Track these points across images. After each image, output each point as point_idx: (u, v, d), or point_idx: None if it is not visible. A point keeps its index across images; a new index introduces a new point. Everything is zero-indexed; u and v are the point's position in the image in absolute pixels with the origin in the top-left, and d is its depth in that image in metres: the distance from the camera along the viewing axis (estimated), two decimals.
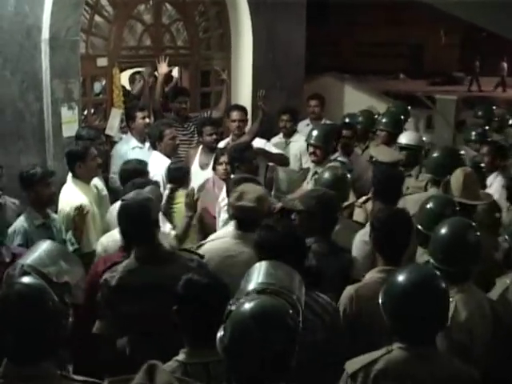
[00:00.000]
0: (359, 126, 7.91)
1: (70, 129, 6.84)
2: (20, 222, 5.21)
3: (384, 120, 7.71)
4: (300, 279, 3.17)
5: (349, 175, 5.49)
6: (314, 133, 6.75)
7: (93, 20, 7.55)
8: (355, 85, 11.87)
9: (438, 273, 3.22)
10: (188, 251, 4.29)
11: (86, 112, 7.67)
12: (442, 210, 4.42)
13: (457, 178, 5.06)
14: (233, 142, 7.23)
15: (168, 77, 8.67)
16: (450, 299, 3.47)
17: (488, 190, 6.04)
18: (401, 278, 3.05)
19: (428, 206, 4.56)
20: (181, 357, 3.03)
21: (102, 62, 7.67)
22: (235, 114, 7.45)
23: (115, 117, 7.61)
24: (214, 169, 6.34)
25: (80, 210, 5.46)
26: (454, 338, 3.45)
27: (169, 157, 6.53)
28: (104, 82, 7.97)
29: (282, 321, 2.49)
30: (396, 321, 3.02)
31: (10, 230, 5.14)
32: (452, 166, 5.36)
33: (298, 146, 7.77)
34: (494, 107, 9.74)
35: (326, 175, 5.31)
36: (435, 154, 5.81)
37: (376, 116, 8.28)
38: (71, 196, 5.59)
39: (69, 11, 6.72)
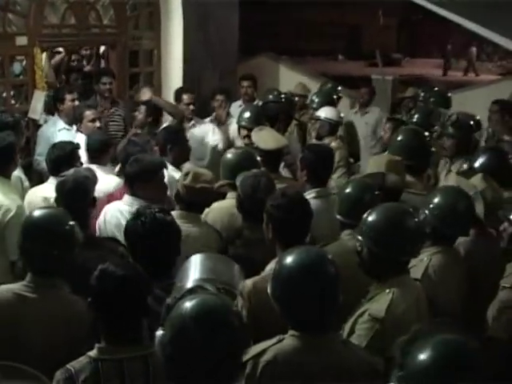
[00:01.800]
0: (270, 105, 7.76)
1: None
2: None
3: (317, 99, 7.92)
4: (239, 270, 3.11)
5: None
6: (246, 114, 6.54)
7: None
8: (291, 66, 11.67)
9: (327, 255, 2.99)
10: (116, 241, 4.19)
11: (4, 94, 7.28)
12: (361, 196, 4.21)
13: (379, 164, 4.93)
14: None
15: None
16: (387, 291, 3.31)
17: None
18: (286, 260, 2.86)
19: (347, 191, 4.33)
20: (93, 352, 2.83)
21: (22, 40, 7.28)
22: (188, 97, 7.42)
23: (38, 99, 7.27)
24: None
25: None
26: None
27: None
28: (24, 63, 7.59)
29: (225, 321, 2.36)
30: (284, 306, 2.82)
31: None
32: (419, 148, 5.39)
33: (232, 129, 7.52)
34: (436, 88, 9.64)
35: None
36: (400, 137, 5.59)
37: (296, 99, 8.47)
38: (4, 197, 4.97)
39: None
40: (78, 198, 3.98)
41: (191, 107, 7.41)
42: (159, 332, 2.48)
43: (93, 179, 4.39)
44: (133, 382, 2.78)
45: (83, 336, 3.11)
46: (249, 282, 3.50)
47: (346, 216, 4.11)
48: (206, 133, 7.37)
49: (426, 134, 5.92)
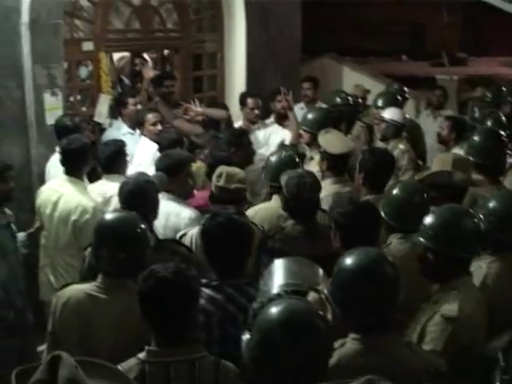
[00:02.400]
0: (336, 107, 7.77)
1: (54, 116, 6.54)
2: None
3: (381, 99, 7.84)
4: (323, 272, 3.12)
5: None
6: (309, 117, 6.57)
7: (77, 2, 7.27)
8: (354, 66, 11.59)
9: (386, 256, 2.99)
10: (177, 242, 4.24)
11: (71, 98, 7.40)
12: (410, 198, 4.22)
13: (442, 161, 4.96)
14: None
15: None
16: (453, 292, 3.27)
17: None
18: (347, 263, 2.85)
19: (394, 192, 4.31)
20: (142, 354, 2.86)
21: (88, 46, 7.41)
22: (253, 102, 7.45)
23: (104, 102, 7.39)
24: None
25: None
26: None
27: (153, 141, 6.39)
28: (90, 67, 7.70)
29: (312, 326, 2.39)
30: (344, 309, 2.82)
31: None
32: (496, 149, 5.36)
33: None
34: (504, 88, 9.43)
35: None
36: (477, 138, 5.52)
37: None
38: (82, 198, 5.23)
39: None
40: (138, 201, 4.02)
41: (256, 111, 7.43)
42: (245, 336, 2.50)
43: (155, 184, 4.39)
44: None
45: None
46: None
47: (394, 219, 4.06)
48: (269, 134, 7.37)
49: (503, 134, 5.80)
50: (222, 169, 4.61)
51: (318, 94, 8.71)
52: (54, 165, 5.88)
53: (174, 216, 4.72)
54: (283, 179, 4.46)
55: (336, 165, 5.41)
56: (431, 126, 8.54)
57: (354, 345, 2.80)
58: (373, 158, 5.04)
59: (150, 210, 4.13)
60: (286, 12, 9.36)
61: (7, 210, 5.20)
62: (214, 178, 4.55)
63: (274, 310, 2.39)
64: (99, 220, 3.68)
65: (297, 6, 9.66)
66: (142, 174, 4.49)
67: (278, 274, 2.95)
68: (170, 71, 8.23)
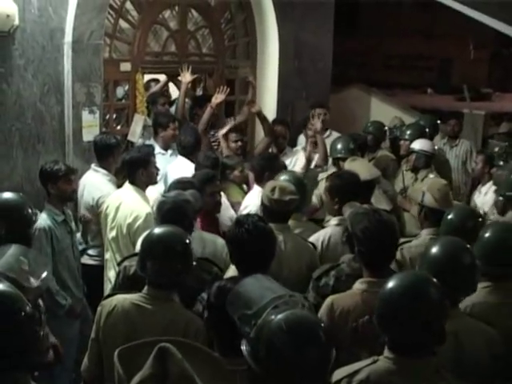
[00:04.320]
0: (369, 136, 7.93)
1: (90, 133, 6.75)
2: (43, 221, 5.26)
3: (409, 131, 7.93)
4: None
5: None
6: (339, 146, 6.70)
7: (117, 24, 7.48)
8: (382, 98, 11.71)
9: (433, 279, 2.99)
10: (210, 262, 4.31)
11: (107, 117, 7.58)
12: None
13: (441, 190, 5.06)
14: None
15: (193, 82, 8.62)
16: None
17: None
18: (395, 284, 2.90)
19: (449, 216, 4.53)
20: None
21: (126, 66, 7.59)
22: (279, 129, 7.74)
23: (138, 122, 7.53)
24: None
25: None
26: None
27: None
28: (127, 87, 7.89)
29: (318, 335, 2.48)
30: (386, 328, 2.89)
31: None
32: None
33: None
34: None
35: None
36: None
37: (385, 128, 8.43)
38: (134, 204, 5.53)
39: (93, 14, 6.65)
40: (175, 220, 4.08)
41: (281, 140, 7.68)
42: (246, 347, 2.55)
43: (193, 203, 4.55)
44: None
45: None
46: (329, 299, 3.69)
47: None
48: (296, 160, 7.50)
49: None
50: (274, 183, 4.82)
51: (340, 122, 8.85)
52: (89, 181, 6.14)
53: (211, 243, 4.80)
54: (348, 213, 4.49)
55: (361, 191, 5.48)
56: (447, 155, 8.69)
57: (387, 363, 2.85)
58: (341, 182, 5.16)
59: (186, 229, 4.22)
60: (318, 43, 9.55)
61: (67, 210, 5.61)
62: (268, 191, 4.68)
63: (279, 319, 2.47)
64: (147, 234, 3.81)
65: (329, 38, 9.85)
66: (179, 194, 4.62)
67: (254, 294, 2.90)
68: (210, 95, 8.37)
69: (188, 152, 6.74)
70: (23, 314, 2.56)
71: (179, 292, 3.66)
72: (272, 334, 2.46)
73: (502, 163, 6.88)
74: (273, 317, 2.53)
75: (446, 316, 2.90)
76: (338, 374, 2.92)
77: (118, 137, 6.66)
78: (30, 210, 4.32)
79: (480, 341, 3.32)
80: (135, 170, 5.64)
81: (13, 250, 3.61)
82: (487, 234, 3.94)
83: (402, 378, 2.81)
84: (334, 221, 5.03)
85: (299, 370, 2.39)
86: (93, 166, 6.24)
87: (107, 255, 5.65)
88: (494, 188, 6.82)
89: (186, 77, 7.83)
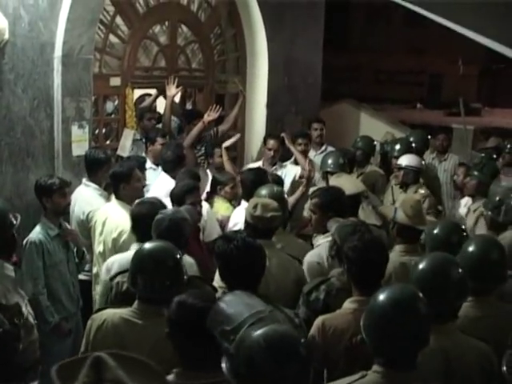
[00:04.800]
0: (358, 151, 7.92)
1: (80, 147, 6.76)
2: (35, 234, 5.32)
3: (397, 147, 7.93)
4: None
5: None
6: (329, 161, 6.73)
7: (107, 39, 7.50)
8: (372, 113, 11.75)
9: (420, 294, 3.01)
10: (201, 280, 4.30)
11: (97, 131, 7.58)
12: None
13: (406, 203, 5.03)
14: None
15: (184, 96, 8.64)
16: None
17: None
18: (383, 297, 2.91)
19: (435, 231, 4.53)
20: (171, 376, 2.96)
21: (115, 81, 7.61)
22: (272, 143, 7.70)
23: (127, 137, 7.54)
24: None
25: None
26: None
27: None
28: (116, 102, 7.90)
29: (297, 351, 2.46)
30: (375, 342, 2.89)
31: (24, 241, 5.28)
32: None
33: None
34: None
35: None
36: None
37: (375, 143, 8.41)
38: (119, 219, 5.49)
39: (83, 29, 6.67)
40: (172, 238, 4.07)
41: (271, 153, 7.67)
42: (225, 364, 2.55)
43: (189, 221, 4.59)
44: None
45: None
46: (320, 318, 3.68)
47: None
48: (286, 174, 7.50)
49: None
50: (257, 200, 4.81)
51: (329, 137, 8.87)
52: (80, 196, 6.13)
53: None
54: (334, 226, 4.58)
55: (347, 206, 5.50)
56: (436, 170, 8.75)
57: (375, 377, 2.85)
58: (326, 198, 5.17)
59: (182, 246, 4.24)
60: (307, 58, 9.62)
61: (64, 223, 5.63)
62: (250, 209, 4.69)
63: (258, 335, 2.47)
64: (138, 249, 3.83)
65: (319, 53, 9.92)
66: (177, 211, 4.65)
67: (234, 310, 2.92)
68: (199, 110, 8.38)
69: (169, 168, 6.62)
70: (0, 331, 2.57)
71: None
72: (250, 349, 2.45)
73: (476, 173, 6.83)
74: (252, 332, 2.52)
75: (430, 330, 2.92)
76: None
77: (108, 151, 6.67)
78: (10, 215, 4.23)
79: (471, 357, 3.31)
80: (118, 184, 5.64)
81: None
82: (469, 249, 3.95)
83: None
84: (324, 238, 5.01)
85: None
86: (84, 180, 6.24)
87: (95, 270, 5.63)
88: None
89: (172, 90, 7.84)
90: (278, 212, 4.72)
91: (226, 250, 3.84)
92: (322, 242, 4.99)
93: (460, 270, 3.50)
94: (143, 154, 7.31)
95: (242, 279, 3.71)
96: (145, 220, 4.56)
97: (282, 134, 7.75)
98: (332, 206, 5.06)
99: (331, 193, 5.30)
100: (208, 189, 6.71)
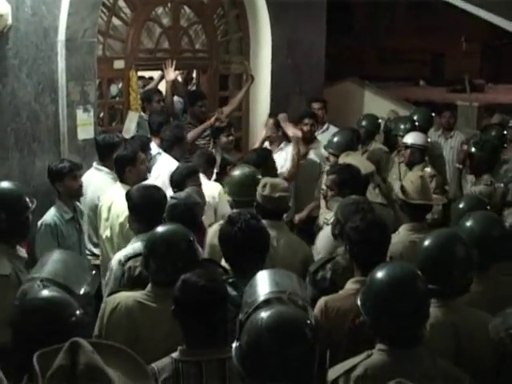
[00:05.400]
0: (362, 129, 7.84)
1: (85, 131, 6.77)
2: (49, 216, 5.37)
3: (402, 125, 7.88)
4: (302, 282, 3.25)
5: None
6: (334, 140, 6.68)
7: (110, 22, 7.48)
8: (376, 91, 11.73)
9: (417, 270, 3.06)
10: (214, 263, 4.26)
11: (101, 114, 7.58)
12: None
13: (413, 181, 4.98)
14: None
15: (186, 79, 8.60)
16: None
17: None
18: (380, 275, 2.95)
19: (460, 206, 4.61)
20: (175, 354, 3.02)
21: (119, 64, 7.60)
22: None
23: (132, 120, 7.52)
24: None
25: None
26: None
27: (178, 160, 6.48)
28: (120, 85, 7.88)
29: (300, 332, 2.44)
30: (374, 320, 2.92)
31: (39, 223, 5.32)
32: None
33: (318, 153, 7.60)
34: None
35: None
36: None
37: (379, 121, 8.31)
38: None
39: (86, 13, 6.65)
40: (187, 223, 4.07)
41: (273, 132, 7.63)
42: (234, 344, 2.56)
43: (202, 204, 4.63)
44: (210, 383, 2.94)
45: None
46: (322, 300, 3.68)
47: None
48: (287, 154, 7.47)
49: None
50: (267, 180, 4.83)
51: (333, 116, 8.84)
52: (93, 180, 6.10)
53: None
54: (338, 205, 4.57)
55: (356, 186, 5.50)
56: (442, 147, 8.73)
57: (381, 356, 2.89)
58: (342, 175, 5.20)
59: (195, 230, 4.26)
60: (311, 38, 9.58)
61: (78, 205, 5.71)
62: (259, 188, 4.72)
63: (262, 315, 2.46)
64: (152, 231, 3.81)
65: (322, 32, 9.89)
66: (189, 196, 4.67)
67: (261, 284, 3.02)
68: (202, 91, 8.34)
69: (167, 146, 6.65)
70: (73, 319, 2.64)
71: None
72: (251, 329, 2.47)
73: (473, 150, 6.78)
74: (256, 314, 2.53)
75: (428, 306, 2.97)
76: (334, 372, 2.95)
77: (120, 135, 6.66)
78: (26, 198, 4.25)
79: (481, 331, 3.28)
80: (123, 168, 5.61)
81: (57, 255, 3.66)
82: (468, 225, 3.95)
83: (400, 369, 2.82)
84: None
85: (277, 367, 2.38)
86: (95, 164, 6.23)
87: (101, 254, 5.63)
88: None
89: (170, 75, 7.80)
90: (286, 192, 4.74)
91: (230, 233, 3.87)
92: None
93: (465, 246, 3.51)
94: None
95: (245, 261, 3.76)
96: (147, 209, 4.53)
97: (280, 115, 7.67)
98: (349, 184, 5.06)
99: (349, 171, 5.29)
100: (217, 169, 6.70)
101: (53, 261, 3.56)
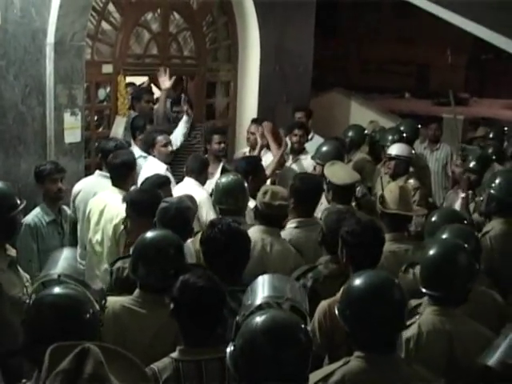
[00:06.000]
0: (348, 139, 7.88)
1: (72, 135, 6.75)
2: (30, 217, 5.39)
3: (389, 136, 7.85)
4: (302, 288, 3.30)
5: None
6: (322, 150, 6.69)
7: (99, 26, 7.45)
8: (362, 102, 11.78)
9: (394, 278, 3.13)
10: (201, 267, 4.23)
11: (89, 118, 7.54)
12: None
13: (392, 191, 5.03)
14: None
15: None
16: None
17: None
18: (358, 282, 2.98)
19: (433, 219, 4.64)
20: (175, 354, 3.05)
21: (108, 68, 7.57)
22: (253, 128, 7.73)
23: (119, 124, 7.50)
24: None
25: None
26: None
27: (165, 162, 6.51)
28: (108, 89, 7.86)
29: (294, 336, 2.46)
30: (352, 327, 2.95)
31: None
32: None
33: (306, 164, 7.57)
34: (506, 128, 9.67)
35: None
36: (499, 180, 5.31)
37: (366, 131, 8.33)
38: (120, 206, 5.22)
39: (75, 16, 6.63)
40: (178, 227, 4.09)
41: (252, 137, 7.68)
42: (230, 347, 2.55)
43: (193, 209, 4.63)
44: (210, 381, 2.98)
45: None
46: (324, 303, 3.71)
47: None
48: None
49: None
50: (268, 187, 4.95)
51: (315, 125, 8.82)
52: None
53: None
54: (323, 214, 4.66)
55: (341, 195, 5.53)
56: (428, 159, 8.78)
57: (358, 362, 2.91)
58: (301, 184, 5.20)
59: (186, 235, 4.31)
60: (299, 47, 9.64)
61: (65, 209, 5.76)
62: (260, 195, 4.77)
63: (257, 319, 2.48)
64: (141, 236, 3.81)
65: (310, 42, 9.95)
66: (181, 200, 4.64)
67: (260, 288, 3.08)
68: (188, 99, 8.33)
69: (144, 150, 6.78)
70: (88, 315, 2.65)
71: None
72: (246, 332, 2.49)
73: (473, 164, 6.79)
74: (251, 319, 2.55)
75: (404, 314, 3.01)
76: (312, 377, 2.92)
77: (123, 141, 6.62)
78: (14, 197, 4.21)
79: (474, 344, 3.31)
80: (129, 172, 5.57)
81: (68, 253, 3.66)
82: (430, 255, 3.69)
83: (377, 376, 2.87)
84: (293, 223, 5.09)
85: (270, 371, 2.39)
86: (100, 172, 6.04)
87: (87, 260, 5.53)
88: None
89: (166, 84, 7.79)
90: (285, 201, 4.80)
91: (210, 235, 3.90)
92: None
93: (468, 255, 3.57)
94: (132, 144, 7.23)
95: (224, 264, 3.79)
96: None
97: (264, 123, 7.65)
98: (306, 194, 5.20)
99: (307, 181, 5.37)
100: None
101: (64, 258, 3.61)
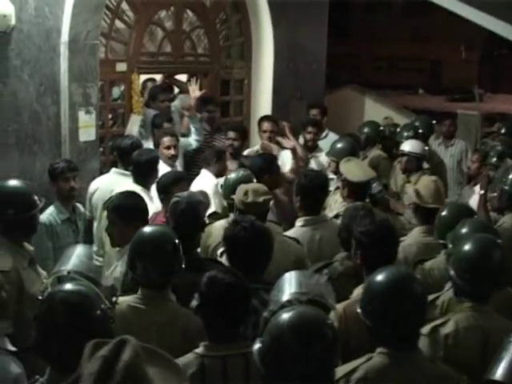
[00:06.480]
0: (363, 135, 7.84)
1: (86, 133, 6.76)
2: (45, 215, 5.36)
3: (405, 132, 7.88)
4: (329, 285, 3.27)
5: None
6: (337, 146, 6.65)
7: (113, 24, 7.48)
8: (376, 98, 11.73)
9: (415, 274, 3.19)
10: (217, 262, 4.29)
11: (103, 117, 7.54)
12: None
13: (427, 186, 5.10)
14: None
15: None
16: None
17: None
18: (380, 279, 2.99)
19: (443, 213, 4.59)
20: (199, 349, 3.07)
21: (122, 67, 7.60)
22: (266, 125, 7.56)
23: (134, 123, 7.52)
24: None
25: None
26: None
27: (167, 165, 6.43)
28: (122, 88, 7.86)
29: (321, 333, 2.47)
30: (375, 323, 2.95)
31: None
32: None
33: (319, 161, 7.49)
34: None
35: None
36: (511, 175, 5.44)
37: (381, 128, 8.28)
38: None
39: (89, 15, 6.63)
40: (189, 221, 4.12)
41: (267, 135, 7.51)
42: (257, 344, 2.56)
43: (205, 203, 4.61)
44: (234, 377, 2.99)
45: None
46: (340, 306, 3.64)
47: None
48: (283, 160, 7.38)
49: None
50: (246, 186, 4.73)
51: (329, 122, 8.76)
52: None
53: None
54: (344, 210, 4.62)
55: (356, 192, 5.50)
56: (442, 154, 8.73)
57: (381, 358, 2.91)
58: (308, 182, 5.14)
59: (198, 229, 4.29)
60: (312, 44, 9.59)
61: (79, 207, 5.77)
62: (241, 196, 4.62)
63: (284, 316, 2.49)
64: (136, 234, 3.76)
65: (323, 39, 9.90)
66: (192, 195, 4.64)
67: (288, 285, 3.10)
68: (213, 96, 8.26)
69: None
70: (99, 312, 2.64)
71: (174, 290, 3.67)
72: (273, 328, 2.50)
73: (494, 160, 6.76)
74: (278, 315, 2.55)
75: (425, 310, 3.03)
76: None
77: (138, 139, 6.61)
78: (34, 196, 4.28)
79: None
80: (153, 170, 5.65)
81: (80, 250, 3.67)
82: (465, 250, 3.61)
83: (399, 372, 2.87)
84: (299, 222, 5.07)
85: (297, 367, 2.40)
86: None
87: (103, 253, 5.54)
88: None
89: (196, 93, 7.54)
90: (268, 195, 4.72)
91: (234, 232, 3.88)
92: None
93: (502, 251, 3.58)
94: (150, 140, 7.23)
95: (247, 261, 3.76)
96: None
97: (283, 124, 7.54)
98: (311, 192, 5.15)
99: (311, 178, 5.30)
100: None
101: (77, 255, 3.61)
